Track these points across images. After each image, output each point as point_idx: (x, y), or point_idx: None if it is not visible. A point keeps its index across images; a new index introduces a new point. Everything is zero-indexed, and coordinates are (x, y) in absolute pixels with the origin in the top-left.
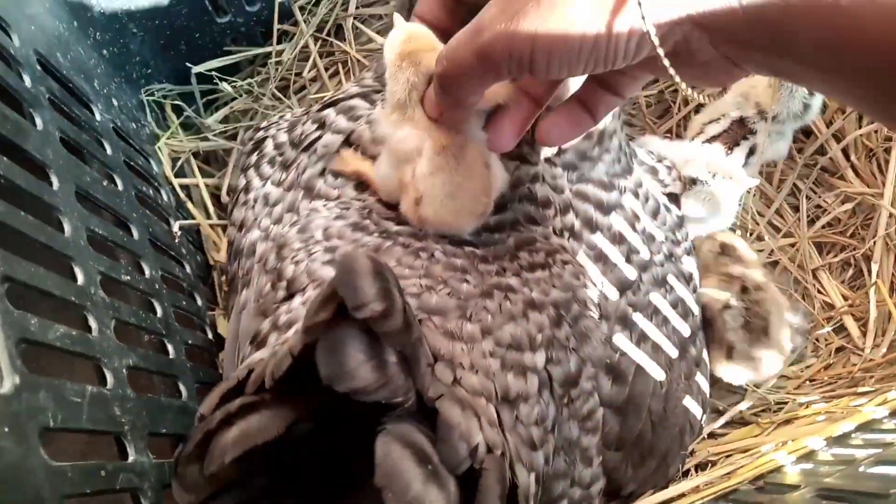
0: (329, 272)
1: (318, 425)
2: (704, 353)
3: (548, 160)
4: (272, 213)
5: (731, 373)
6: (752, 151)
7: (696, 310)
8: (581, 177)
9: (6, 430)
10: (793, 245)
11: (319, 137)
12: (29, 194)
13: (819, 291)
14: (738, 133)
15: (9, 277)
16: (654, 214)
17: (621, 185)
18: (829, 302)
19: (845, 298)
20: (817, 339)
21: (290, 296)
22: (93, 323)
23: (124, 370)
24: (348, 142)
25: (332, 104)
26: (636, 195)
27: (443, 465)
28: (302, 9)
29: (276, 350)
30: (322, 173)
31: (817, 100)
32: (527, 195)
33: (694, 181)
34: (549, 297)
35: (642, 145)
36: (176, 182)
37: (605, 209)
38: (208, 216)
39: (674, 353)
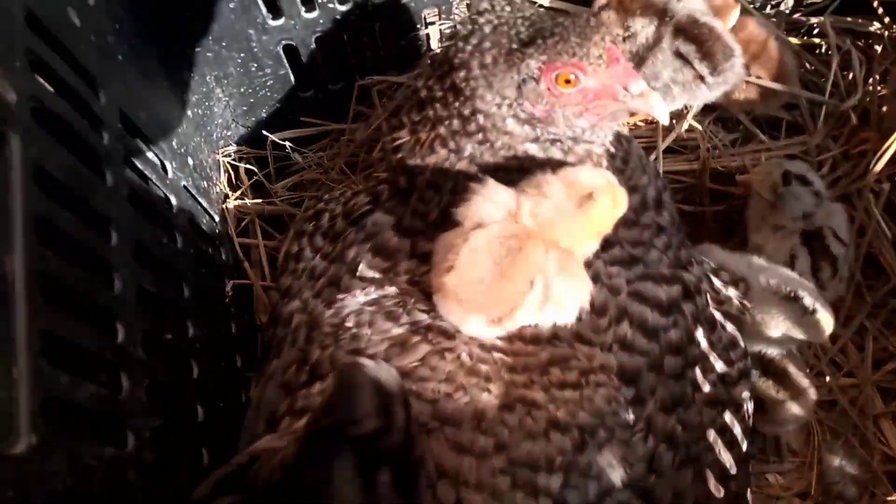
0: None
1: None
2: (748, 493)
3: (598, 257)
4: (314, 287)
5: None
6: None
7: (743, 443)
8: (639, 273)
9: (10, 494)
10: (855, 386)
11: (370, 212)
12: (87, 250)
13: (880, 441)
14: None
15: (48, 332)
16: (711, 328)
17: (685, 278)
18: (891, 455)
19: None
20: (874, 492)
21: (312, 379)
22: (125, 382)
23: (148, 432)
24: (399, 226)
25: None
26: (699, 293)
27: None
28: (380, 93)
29: (272, 454)
30: (368, 251)
31: None
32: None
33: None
34: (575, 420)
35: (704, 253)
36: (237, 241)
37: (665, 309)
38: (263, 278)
39: (716, 488)
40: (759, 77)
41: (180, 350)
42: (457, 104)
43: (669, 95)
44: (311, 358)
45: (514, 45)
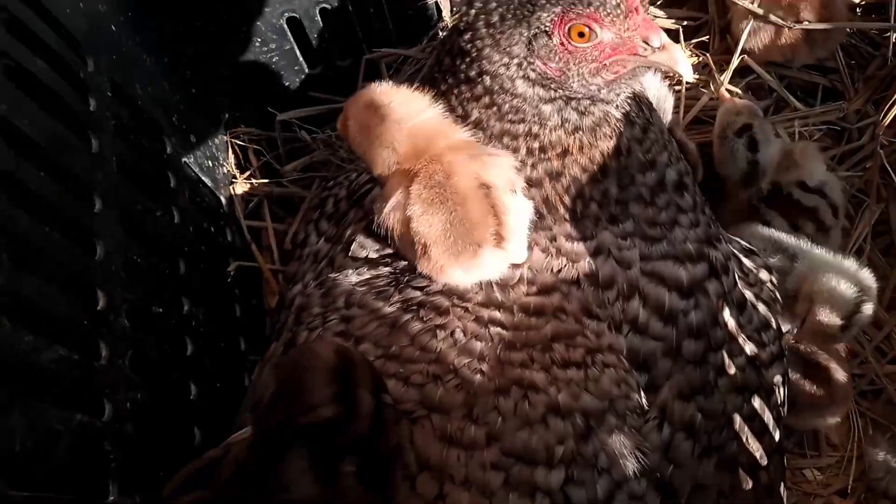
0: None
1: None
2: (781, 488)
3: (606, 228)
4: (316, 269)
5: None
6: None
7: (775, 431)
8: (661, 252)
9: None
10: None
11: (371, 189)
12: (64, 212)
13: None
14: None
15: (12, 292)
16: (741, 308)
17: (711, 255)
18: None
19: None
20: None
21: None
22: (104, 350)
23: (128, 404)
24: None
25: None
26: (726, 272)
27: None
28: (388, 66)
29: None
30: (363, 230)
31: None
32: (588, 273)
33: None
34: (578, 403)
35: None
36: (245, 223)
37: (685, 291)
38: (272, 261)
39: (743, 478)
40: (807, 21)
41: (173, 325)
42: (463, 66)
43: None
44: (298, 340)
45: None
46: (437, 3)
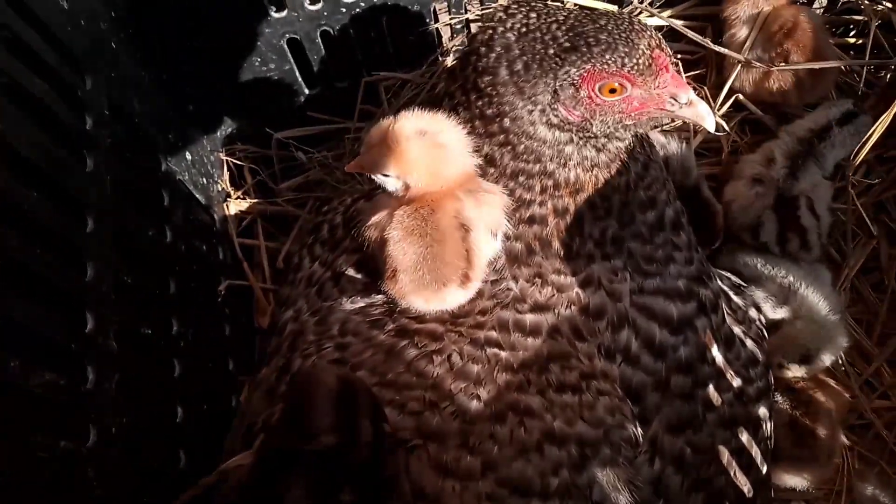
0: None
1: None
2: None
3: (597, 262)
4: (309, 295)
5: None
6: None
7: (762, 465)
8: (653, 287)
9: None
10: (890, 409)
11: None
12: (56, 233)
13: None
14: None
15: (1, 315)
16: (729, 345)
17: (701, 293)
18: None
19: None
20: None
21: None
22: (91, 374)
23: (114, 429)
24: None
25: None
26: (714, 310)
27: None
28: (387, 89)
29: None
30: (356, 263)
31: None
32: (577, 302)
33: None
34: (573, 430)
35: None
36: (237, 241)
37: (675, 327)
38: (264, 279)
39: None
40: (796, 63)
41: (161, 346)
42: (479, 104)
43: None
44: (292, 367)
45: (552, 51)
46: (437, 29)
